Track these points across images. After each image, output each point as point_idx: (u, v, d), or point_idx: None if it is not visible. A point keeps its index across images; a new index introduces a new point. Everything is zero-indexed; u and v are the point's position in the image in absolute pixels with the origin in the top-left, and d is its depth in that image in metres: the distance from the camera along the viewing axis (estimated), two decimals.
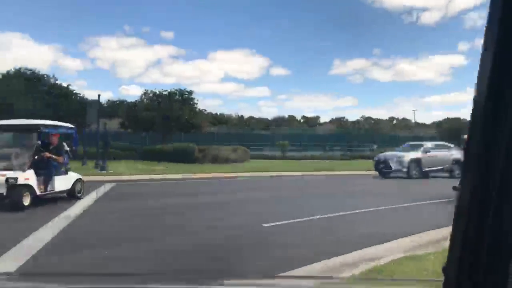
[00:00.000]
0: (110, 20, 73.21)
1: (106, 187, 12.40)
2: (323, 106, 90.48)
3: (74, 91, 25.30)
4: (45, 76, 24.76)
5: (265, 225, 7.07)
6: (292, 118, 67.62)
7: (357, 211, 8.67)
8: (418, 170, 18.06)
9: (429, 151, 18.72)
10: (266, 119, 65.39)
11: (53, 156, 9.07)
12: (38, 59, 67.31)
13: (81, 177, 10.16)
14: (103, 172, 16.53)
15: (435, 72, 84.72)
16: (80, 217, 7.63)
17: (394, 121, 77.62)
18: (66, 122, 23.52)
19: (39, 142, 9.02)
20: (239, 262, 4.99)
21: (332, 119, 69.51)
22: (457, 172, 18.04)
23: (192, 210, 9.03)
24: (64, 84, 25.03)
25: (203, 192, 12.53)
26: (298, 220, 7.53)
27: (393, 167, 18.30)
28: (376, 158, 19.70)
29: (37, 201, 8.42)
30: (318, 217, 7.85)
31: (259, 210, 9.11)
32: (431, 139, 29.58)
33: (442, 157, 18.59)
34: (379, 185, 15.58)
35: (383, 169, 18.69)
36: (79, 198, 9.63)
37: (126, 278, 1.60)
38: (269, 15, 79.41)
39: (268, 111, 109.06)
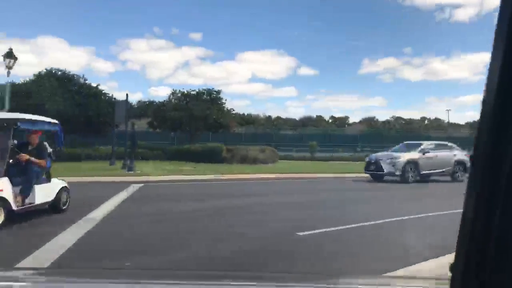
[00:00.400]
0: (140, 22, 74.48)
1: (133, 188, 12.07)
2: (352, 106, 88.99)
3: (103, 91, 25.47)
4: (75, 76, 25.03)
5: (300, 233, 6.47)
6: (320, 118, 66.48)
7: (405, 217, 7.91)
8: (414, 173, 16.12)
9: (428, 152, 16.65)
10: (294, 119, 64.60)
11: (33, 159, 7.22)
12: (72, 61, 69.31)
13: (66, 184, 8.17)
14: (130, 172, 16.32)
15: (468, 71, 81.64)
16: (103, 221, 7.21)
17: (426, 121, 75.37)
18: (95, 122, 23.94)
19: (15, 141, 7.32)
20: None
21: (362, 119, 67.92)
22: (459, 175, 16.76)
23: (220, 214, 8.49)
24: (93, 84, 25.23)
25: (231, 195, 12.01)
26: (335, 228, 6.87)
27: (385, 170, 16.18)
28: (367, 159, 17.76)
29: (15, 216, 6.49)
30: (356, 225, 7.17)
31: (291, 215, 8.48)
32: (465, 140, 28.05)
33: (443, 158, 16.77)
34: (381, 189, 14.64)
35: (375, 172, 16.63)
36: (62, 211, 7.74)
37: (156, 272, 1.70)
38: (296, 15, 78.56)
39: (296, 111, 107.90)
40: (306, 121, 62.46)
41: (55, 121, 8.50)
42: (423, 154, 16.49)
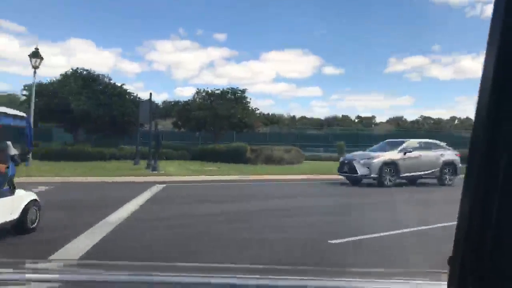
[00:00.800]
0: (165, 24, 74.93)
1: (156, 189, 11.69)
2: (378, 106, 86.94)
3: (127, 91, 25.39)
4: (100, 76, 25.06)
5: (332, 241, 5.84)
6: (345, 118, 65.12)
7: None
8: (393, 176, 14.09)
9: (410, 151, 14.53)
10: (319, 119, 63.52)
11: None
12: (100, 63, 70.56)
13: (35, 197, 6.35)
14: (154, 172, 16.03)
15: None
16: (122, 224, 6.76)
17: (456, 121, 73.02)
18: (120, 121, 23.91)
19: None
20: None
21: (389, 119, 66.12)
22: (448, 178, 14.85)
23: (244, 219, 7.92)
24: (118, 84, 25.19)
25: (256, 196, 11.48)
26: (368, 236, 6.20)
27: (359, 172, 14.18)
28: (341, 159, 15.78)
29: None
30: (390, 233, 6.47)
31: (320, 221, 7.85)
32: None
33: (428, 159, 14.72)
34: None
35: (348, 174, 14.63)
36: (30, 231, 5.97)
37: (186, 267, 1.63)
38: (321, 14, 77.40)
39: (320, 111, 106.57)
40: (332, 121, 61.28)
41: (22, 114, 6.79)
42: (404, 154, 14.41)
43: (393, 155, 14.46)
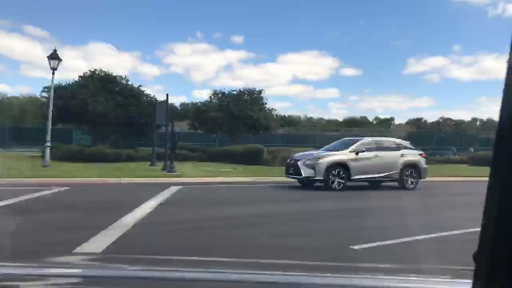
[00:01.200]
0: (184, 27, 75.71)
1: (172, 190, 11.54)
2: (397, 107, 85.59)
3: (144, 92, 25.47)
4: (117, 77, 25.16)
5: (355, 247, 5.52)
6: (364, 119, 64.30)
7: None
8: (343, 178, 12.54)
9: (363, 151, 12.90)
10: (336, 121, 62.86)
11: None
12: (120, 66, 71.77)
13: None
14: (170, 173, 15.93)
15: None
16: (135, 226, 6.59)
17: (478, 122, 71.31)
18: (137, 122, 23.98)
19: None
20: None
21: (409, 120, 64.98)
22: (410, 181, 13.41)
23: (259, 222, 7.68)
24: (135, 85, 25.29)
25: (274, 199, 11.23)
26: (392, 241, 5.85)
27: (303, 173, 12.70)
28: (288, 159, 14.31)
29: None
30: (417, 238, 6.10)
31: (341, 225, 7.53)
32: None
33: (386, 159, 13.13)
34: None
35: (293, 176, 13.22)
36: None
37: (209, 263, 1.64)
38: (338, 15, 76.71)
39: (338, 113, 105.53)
40: (350, 123, 60.55)
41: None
42: (356, 153, 12.81)
43: (343, 155, 12.89)
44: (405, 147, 14.07)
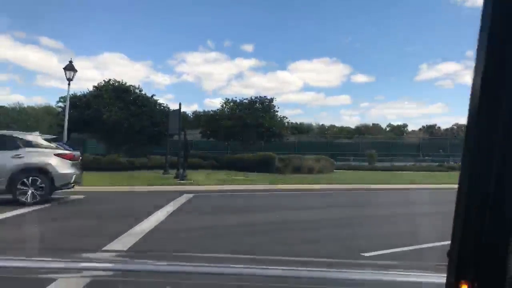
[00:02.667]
0: (194, 36, 76.42)
1: (185, 198, 11.65)
2: (410, 114, 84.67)
3: (157, 101, 25.78)
4: (131, 87, 25.55)
5: (365, 254, 5.55)
6: (376, 126, 63.82)
7: None
8: None
9: None
10: (349, 128, 62.55)
11: None
12: (133, 75, 72.73)
13: None
14: (183, 181, 16.07)
15: None
16: (151, 232, 6.70)
17: None
18: (150, 131, 24.27)
19: None
20: None
21: (422, 127, 64.31)
22: (32, 192, 9.60)
23: (271, 230, 7.72)
24: (148, 95, 25.63)
25: (286, 207, 11.23)
26: (401, 249, 5.86)
27: None
28: None
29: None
30: (427, 245, 6.08)
31: (352, 232, 7.53)
32: None
33: None
34: None
35: None
36: None
37: (234, 259, 1.73)
38: (349, 22, 76.69)
39: (350, 120, 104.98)
40: (362, 130, 60.19)
41: None
42: None
43: None
44: (32, 145, 10.06)
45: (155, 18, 74.41)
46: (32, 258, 1.53)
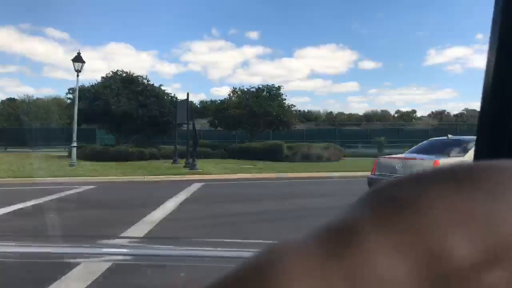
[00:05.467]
0: (199, 24, 76.10)
1: (194, 187, 11.78)
2: (419, 100, 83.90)
3: (165, 91, 25.88)
4: (139, 77, 25.64)
5: None
6: (385, 113, 63.43)
7: None
8: None
9: None
10: (357, 115, 62.25)
11: None
12: (139, 65, 72.80)
13: None
14: (192, 171, 16.21)
15: None
16: (163, 221, 6.82)
17: None
18: (158, 121, 24.42)
19: None
20: None
21: (431, 113, 63.78)
22: None
23: (282, 218, 7.80)
24: (156, 85, 25.72)
25: (296, 195, 11.30)
26: None
27: None
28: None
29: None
30: None
31: None
32: None
33: None
34: None
35: None
36: None
37: (247, 244, 1.65)
38: (356, 7, 75.72)
39: (358, 107, 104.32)
40: (371, 116, 59.86)
41: None
42: None
43: None
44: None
45: (158, 7, 74.12)
46: (57, 245, 1.63)
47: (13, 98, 53.83)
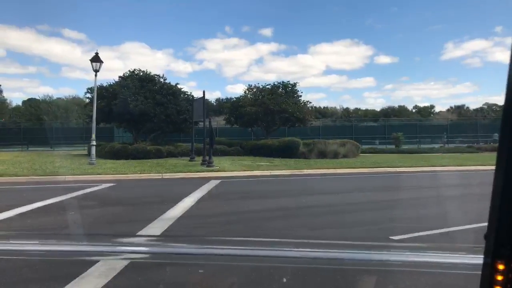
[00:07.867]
0: (212, 23, 76.29)
1: (212, 184, 11.86)
2: (437, 94, 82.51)
3: (182, 89, 26.05)
4: (156, 76, 25.88)
5: (394, 237, 5.53)
6: (402, 108, 62.47)
7: None
8: None
9: None
10: (373, 111, 61.48)
11: None
12: (155, 64, 73.57)
13: None
14: (209, 168, 16.31)
15: None
16: (181, 218, 6.89)
17: None
18: (176, 119, 24.60)
19: None
20: None
21: (450, 107, 62.56)
22: None
23: (299, 215, 7.79)
24: (173, 83, 25.91)
25: (312, 192, 11.26)
26: (431, 232, 5.82)
27: None
28: None
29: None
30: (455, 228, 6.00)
31: (378, 216, 7.51)
32: None
33: None
34: None
35: None
36: None
37: (263, 242, 1.88)
38: (370, 2, 74.62)
39: (375, 103, 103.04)
40: (388, 112, 59.05)
41: None
42: None
43: None
44: None
45: (172, 6, 74.57)
46: (78, 243, 1.70)
47: (34, 98, 55.06)
